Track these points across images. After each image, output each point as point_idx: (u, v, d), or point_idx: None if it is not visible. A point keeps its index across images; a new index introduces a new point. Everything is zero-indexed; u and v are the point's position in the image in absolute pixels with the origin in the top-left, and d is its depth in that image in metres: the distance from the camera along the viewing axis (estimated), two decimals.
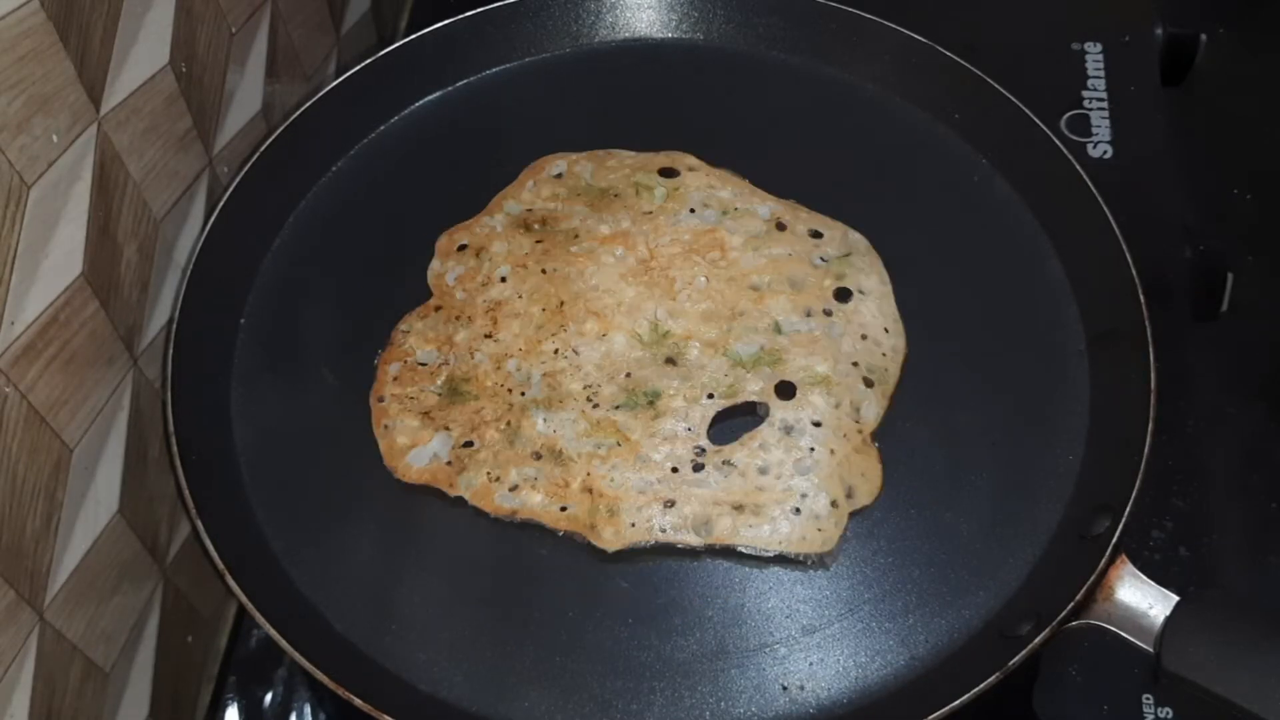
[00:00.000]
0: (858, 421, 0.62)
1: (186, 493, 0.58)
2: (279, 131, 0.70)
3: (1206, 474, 0.69)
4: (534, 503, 0.59)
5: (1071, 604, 0.54)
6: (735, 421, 0.62)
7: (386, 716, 0.52)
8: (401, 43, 0.74)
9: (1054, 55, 0.85)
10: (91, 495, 0.56)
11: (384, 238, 0.69)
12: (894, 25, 0.74)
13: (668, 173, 0.70)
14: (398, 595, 0.58)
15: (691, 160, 0.71)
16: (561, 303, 0.65)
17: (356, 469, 0.62)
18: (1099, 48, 0.85)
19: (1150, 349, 0.61)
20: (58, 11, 0.51)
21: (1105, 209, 0.66)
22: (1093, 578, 0.54)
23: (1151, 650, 0.53)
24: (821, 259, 0.67)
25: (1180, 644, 0.52)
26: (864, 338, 0.64)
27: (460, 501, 0.60)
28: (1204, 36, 0.86)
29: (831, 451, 0.60)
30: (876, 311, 0.65)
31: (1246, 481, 0.69)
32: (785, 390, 0.62)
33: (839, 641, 0.57)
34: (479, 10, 0.75)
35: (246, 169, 0.68)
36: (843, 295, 0.65)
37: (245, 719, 0.66)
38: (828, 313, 0.65)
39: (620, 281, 0.65)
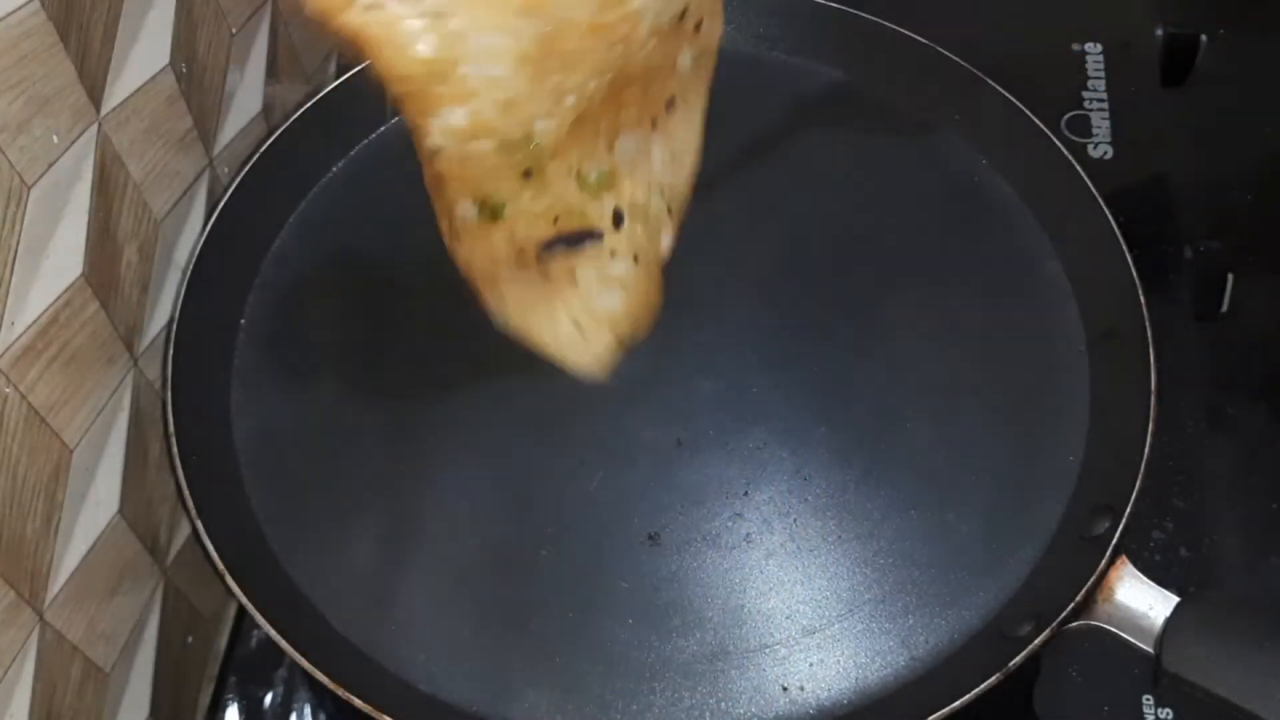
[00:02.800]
0: (656, 249, 0.56)
1: (186, 493, 0.58)
2: (279, 131, 0.69)
3: (1206, 474, 0.69)
4: None
5: (1071, 605, 0.54)
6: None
7: (386, 716, 0.52)
8: None
9: (1054, 56, 0.85)
10: (91, 495, 0.56)
11: (384, 238, 0.69)
12: (894, 25, 0.74)
13: None
14: (398, 595, 0.58)
15: None
16: None
17: (356, 469, 0.61)
18: (1099, 48, 0.85)
19: (1150, 349, 0.61)
20: (58, 12, 0.51)
21: (1105, 209, 0.66)
22: (1093, 578, 0.54)
23: (1151, 651, 0.53)
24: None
25: (1180, 645, 0.52)
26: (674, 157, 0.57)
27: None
28: (1204, 37, 0.85)
29: (628, 282, 0.55)
30: (690, 127, 0.58)
31: (1246, 481, 0.69)
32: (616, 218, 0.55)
33: (839, 642, 0.57)
34: None
35: (247, 169, 0.68)
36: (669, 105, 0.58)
37: (245, 719, 0.66)
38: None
39: None
